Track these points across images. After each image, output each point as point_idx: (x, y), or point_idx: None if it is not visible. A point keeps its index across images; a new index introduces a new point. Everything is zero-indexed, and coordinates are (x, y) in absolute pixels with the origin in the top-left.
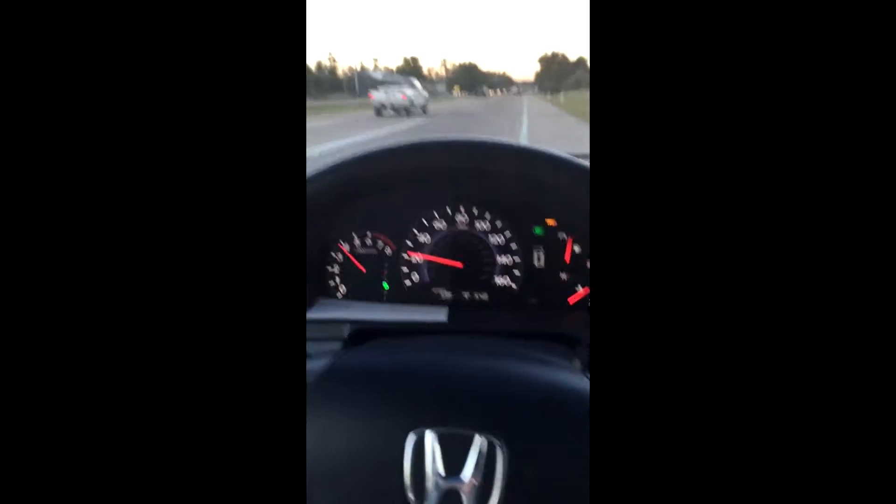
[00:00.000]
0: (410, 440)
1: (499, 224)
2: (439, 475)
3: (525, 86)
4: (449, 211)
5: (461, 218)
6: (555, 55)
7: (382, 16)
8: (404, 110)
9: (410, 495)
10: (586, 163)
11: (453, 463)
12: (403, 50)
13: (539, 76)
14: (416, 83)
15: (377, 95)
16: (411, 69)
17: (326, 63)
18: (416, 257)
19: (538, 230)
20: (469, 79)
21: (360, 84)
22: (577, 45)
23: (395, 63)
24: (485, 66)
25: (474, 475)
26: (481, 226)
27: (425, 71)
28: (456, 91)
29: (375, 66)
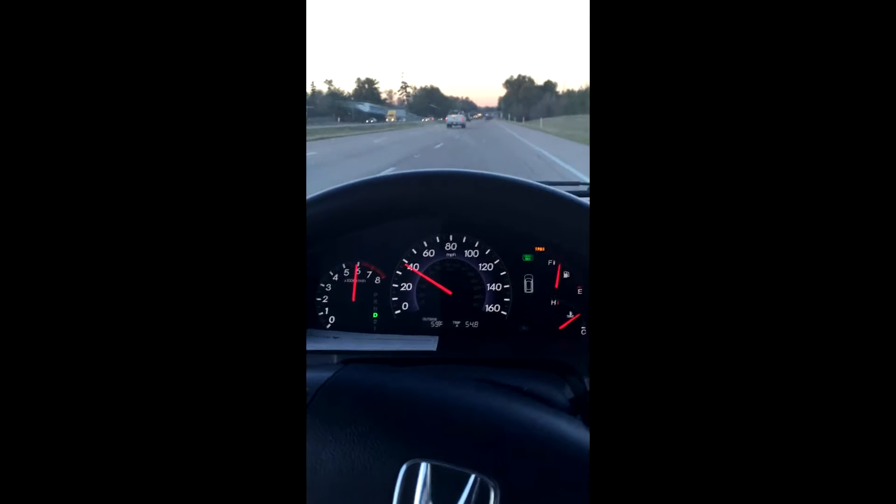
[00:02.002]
0: (403, 469)
1: (488, 252)
2: None
3: (490, 111)
4: (438, 240)
5: (450, 246)
6: (522, 78)
7: (336, 35)
8: (459, 125)
9: None
10: (578, 197)
11: (443, 498)
12: (358, 71)
13: (505, 101)
14: (464, 113)
15: (449, 118)
16: (367, 92)
17: None
18: (407, 285)
19: (527, 257)
20: (430, 103)
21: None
22: (543, 68)
23: (350, 86)
24: (447, 91)
25: None
26: (471, 254)
27: (383, 94)
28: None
29: (330, 88)
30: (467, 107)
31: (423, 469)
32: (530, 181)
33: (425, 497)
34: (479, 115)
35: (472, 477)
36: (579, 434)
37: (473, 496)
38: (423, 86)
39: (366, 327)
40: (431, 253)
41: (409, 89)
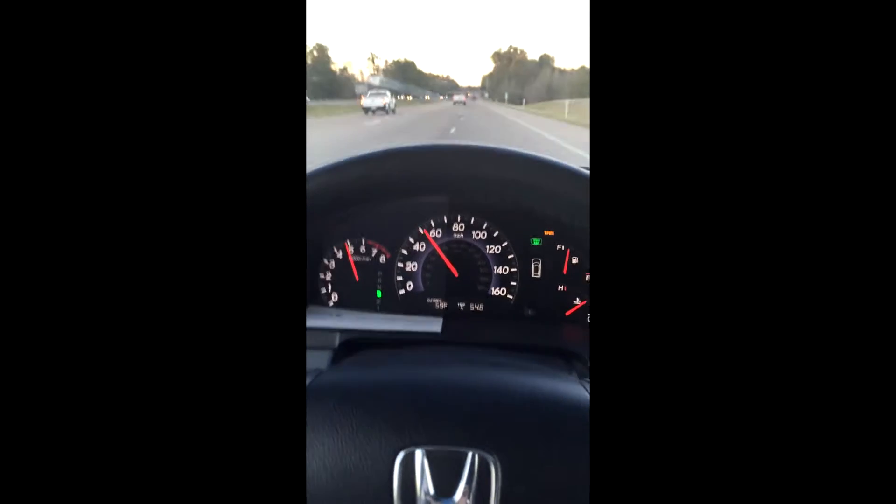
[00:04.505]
0: (399, 460)
1: (496, 234)
2: (430, 496)
3: (475, 91)
4: (446, 220)
5: (458, 227)
6: (513, 51)
7: None
8: (381, 110)
9: None
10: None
11: (445, 482)
12: (310, 36)
13: (491, 79)
14: (388, 93)
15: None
16: (317, 59)
17: None
18: (412, 265)
19: (536, 241)
20: (404, 80)
21: None
22: (536, 41)
23: None
24: (424, 66)
25: (467, 495)
26: (478, 235)
27: (339, 65)
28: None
29: None
30: (448, 86)
31: (420, 456)
32: (544, 156)
33: (426, 484)
34: (463, 95)
35: (470, 455)
36: (580, 393)
37: (475, 474)
38: (397, 59)
39: (369, 306)
40: (438, 233)
41: (376, 61)
